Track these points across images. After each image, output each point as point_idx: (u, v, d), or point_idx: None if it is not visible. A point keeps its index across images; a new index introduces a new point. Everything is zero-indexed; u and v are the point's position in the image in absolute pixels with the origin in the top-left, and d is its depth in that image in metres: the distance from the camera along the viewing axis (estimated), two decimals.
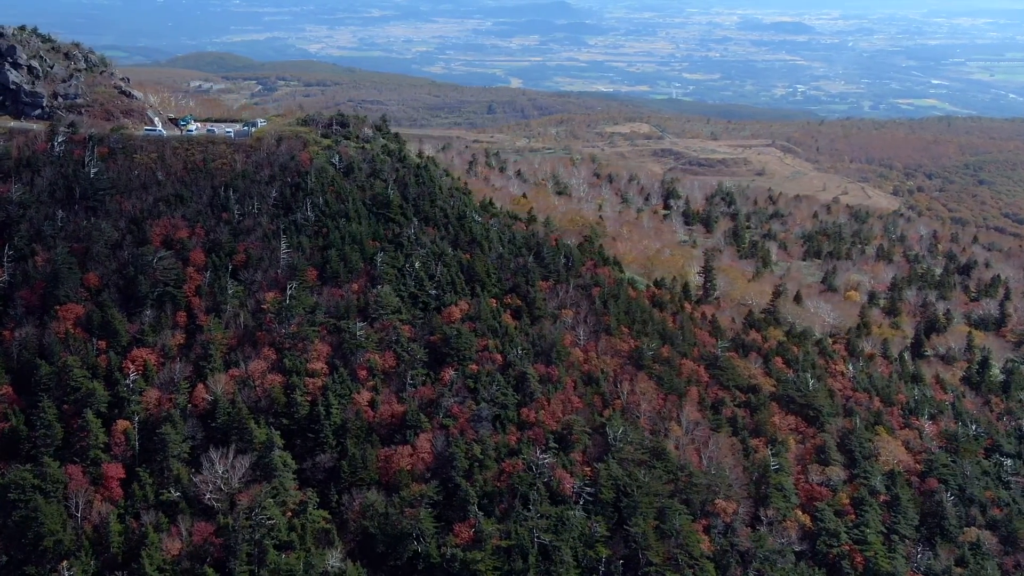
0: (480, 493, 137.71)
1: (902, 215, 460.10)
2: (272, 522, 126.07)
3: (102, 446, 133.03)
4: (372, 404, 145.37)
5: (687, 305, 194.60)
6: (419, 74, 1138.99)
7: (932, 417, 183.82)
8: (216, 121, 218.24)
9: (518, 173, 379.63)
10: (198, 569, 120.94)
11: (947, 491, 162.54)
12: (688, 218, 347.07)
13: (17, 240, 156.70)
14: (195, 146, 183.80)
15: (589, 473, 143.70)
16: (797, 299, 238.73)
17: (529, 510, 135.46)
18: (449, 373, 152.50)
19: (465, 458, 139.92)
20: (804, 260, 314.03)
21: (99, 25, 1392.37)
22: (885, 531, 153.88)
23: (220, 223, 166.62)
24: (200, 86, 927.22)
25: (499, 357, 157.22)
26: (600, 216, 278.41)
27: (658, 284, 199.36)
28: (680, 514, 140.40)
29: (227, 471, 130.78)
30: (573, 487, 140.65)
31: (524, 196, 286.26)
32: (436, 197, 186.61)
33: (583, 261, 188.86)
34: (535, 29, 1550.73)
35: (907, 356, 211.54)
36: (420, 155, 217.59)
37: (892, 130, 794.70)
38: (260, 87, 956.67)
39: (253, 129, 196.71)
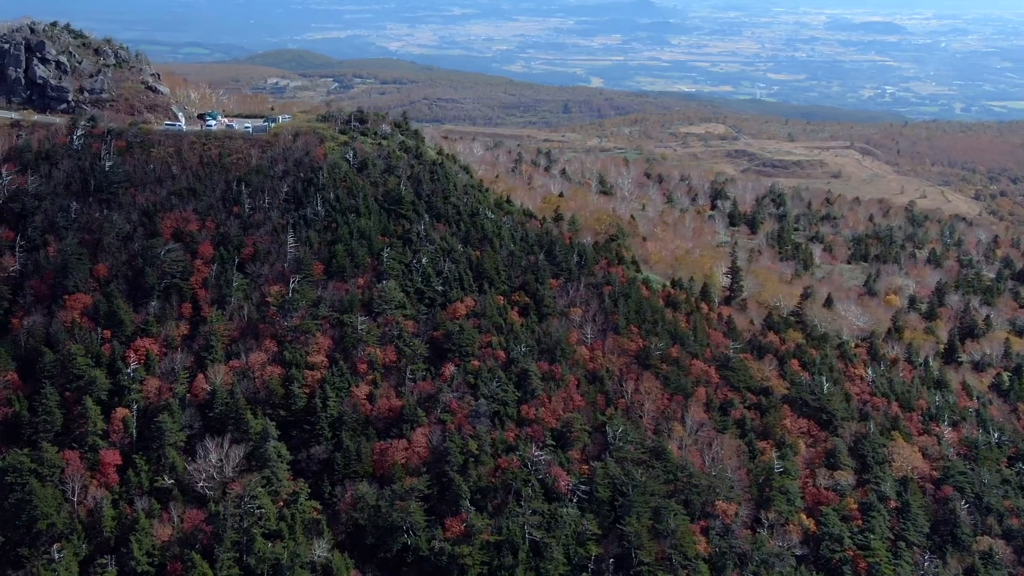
0: (474, 488, 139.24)
1: (964, 219, 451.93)
2: (261, 511, 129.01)
3: (100, 433, 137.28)
4: (370, 398, 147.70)
5: (704, 306, 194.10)
6: (499, 73, 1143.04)
7: (954, 424, 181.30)
8: (247, 117, 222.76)
9: (563, 172, 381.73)
10: (186, 555, 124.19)
11: (962, 499, 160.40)
12: (734, 219, 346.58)
13: (31, 231, 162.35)
14: (212, 141, 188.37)
15: (586, 471, 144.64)
16: (828, 302, 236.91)
17: (521, 506, 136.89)
18: (450, 369, 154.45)
19: (460, 453, 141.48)
20: (849, 263, 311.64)
21: (182, 23, 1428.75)
22: (892, 537, 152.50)
23: (231, 217, 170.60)
24: (277, 83, 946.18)
25: (502, 354, 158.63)
26: (632, 216, 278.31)
27: (675, 284, 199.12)
28: (676, 514, 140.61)
29: (221, 460, 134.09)
30: (568, 485, 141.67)
31: (561, 195, 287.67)
32: (450, 194, 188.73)
33: (597, 260, 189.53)
34: (617, 28, 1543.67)
35: (934, 361, 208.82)
36: (440, 152, 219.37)
37: (978, 133, 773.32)
38: (336, 84, 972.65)
39: (272, 125, 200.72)
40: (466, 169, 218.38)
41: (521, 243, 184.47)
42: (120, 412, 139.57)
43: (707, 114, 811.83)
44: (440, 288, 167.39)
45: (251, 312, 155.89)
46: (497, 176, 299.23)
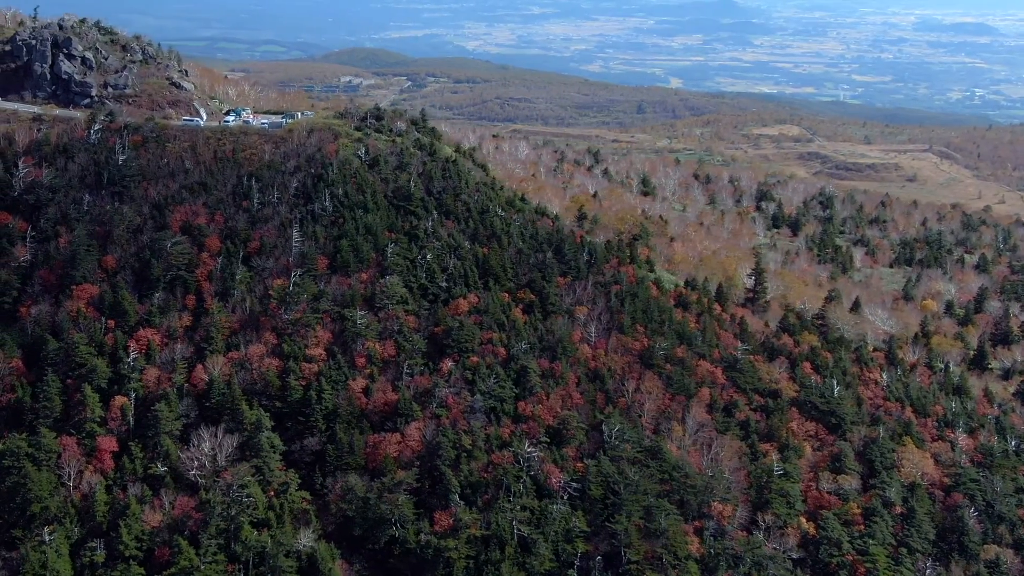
0: (464, 483, 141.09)
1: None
2: (250, 500, 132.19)
3: (98, 420, 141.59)
4: (366, 391, 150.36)
5: (717, 307, 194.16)
6: (577, 73, 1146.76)
7: (971, 431, 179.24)
8: (275, 114, 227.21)
9: (605, 171, 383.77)
10: (174, 541, 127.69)
11: (972, 507, 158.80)
12: (777, 221, 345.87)
13: (43, 222, 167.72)
14: (228, 136, 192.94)
15: (581, 469, 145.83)
16: (856, 306, 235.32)
17: (510, 502, 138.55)
18: (448, 364, 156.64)
19: (453, 448, 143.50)
20: (892, 267, 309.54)
21: (260, 20, 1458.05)
22: (894, 543, 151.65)
23: (239, 211, 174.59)
24: (350, 81, 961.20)
25: (502, 351, 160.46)
26: (661, 216, 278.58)
27: (689, 285, 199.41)
28: (668, 514, 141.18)
29: (213, 449, 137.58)
30: (560, 482, 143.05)
31: (595, 194, 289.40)
32: (461, 191, 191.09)
33: (608, 259, 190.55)
34: (699, 28, 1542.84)
35: (958, 367, 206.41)
36: (458, 149, 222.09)
37: None
38: (410, 83, 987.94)
39: (289, 121, 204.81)
40: (483, 167, 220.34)
41: (530, 241, 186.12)
42: (119, 400, 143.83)
43: (782, 116, 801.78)
44: (444, 284, 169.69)
45: (253, 305, 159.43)
46: (533, 175, 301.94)
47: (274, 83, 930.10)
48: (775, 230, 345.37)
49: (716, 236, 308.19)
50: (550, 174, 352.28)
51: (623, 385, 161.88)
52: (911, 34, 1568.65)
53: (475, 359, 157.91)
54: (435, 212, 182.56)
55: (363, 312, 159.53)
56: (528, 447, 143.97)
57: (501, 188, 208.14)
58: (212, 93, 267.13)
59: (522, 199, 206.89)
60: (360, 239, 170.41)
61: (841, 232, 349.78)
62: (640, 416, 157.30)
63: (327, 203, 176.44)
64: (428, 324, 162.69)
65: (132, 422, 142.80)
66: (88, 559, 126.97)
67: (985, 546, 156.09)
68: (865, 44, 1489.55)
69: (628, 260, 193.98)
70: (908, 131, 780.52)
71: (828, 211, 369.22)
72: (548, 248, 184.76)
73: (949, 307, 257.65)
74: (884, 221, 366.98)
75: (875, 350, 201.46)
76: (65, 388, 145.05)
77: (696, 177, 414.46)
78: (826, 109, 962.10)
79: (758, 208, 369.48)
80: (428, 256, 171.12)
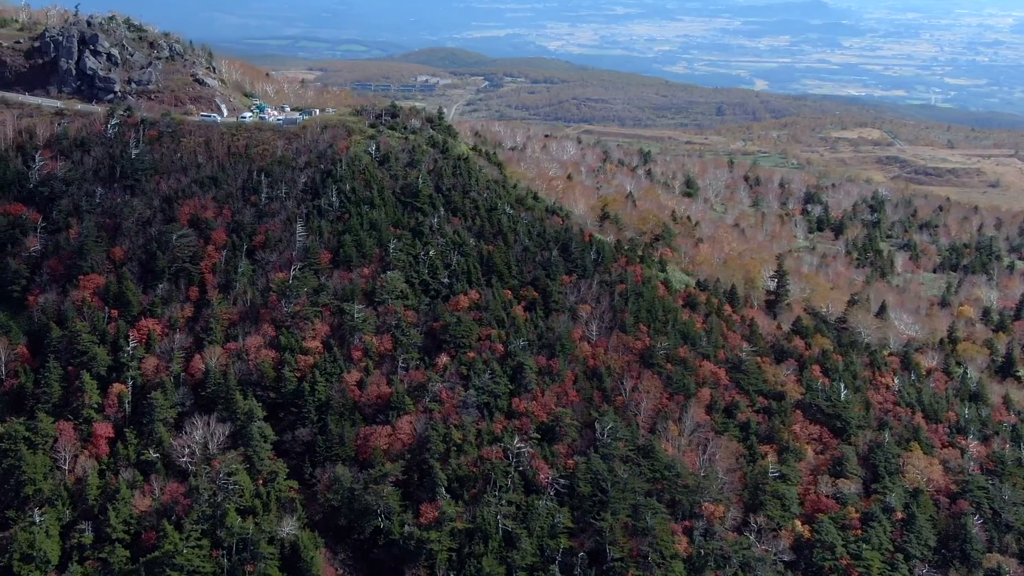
0: (452, 477, 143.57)
1: None
2: (236, 487, 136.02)
3: (96, 406, 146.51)
4: (360, 384, 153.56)
5: (728, 308, 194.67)
6: (659, 74, 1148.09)
7: (985, 438, 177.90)
8: (301, 110, 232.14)
9: (648, 172, 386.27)
10: (160, 525, 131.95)
11: (976, 514, 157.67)
12: (821, 224, 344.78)
13: (55, 214, 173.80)
14: (242, 132, 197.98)
15: (571, 466, 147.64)
16: (882, 310, 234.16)
17: (495, 496, 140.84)
18: (444, 359, 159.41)
19: (442, 442, 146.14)
20: (935, 272, 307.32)
21: (343, 19, 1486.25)
22: (892, 549, 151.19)
23: (247, 205, 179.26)
24: (427, 81, 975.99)
25: (500, 347, 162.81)
26: (689, 217, 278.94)
27: (700, 286, 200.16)
28: (656, 512, 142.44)
29: (205, 437, 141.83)
30: (548, 478, 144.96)
31: (629, 195, 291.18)
32: (470, 189, 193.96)
33: (616, 258, 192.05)
34: (786, 29, 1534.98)
35: (982, 374, 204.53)
36: (475, 148, 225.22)
37: None
38: (487, 83, 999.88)
39: (305, 117, 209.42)
40: (499, 165, 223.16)
41: (537, 239, 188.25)
42: (117, 388, 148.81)
43: (864, 119, 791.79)
44: (446, 281, 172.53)
45: (255, 297, 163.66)
46: (569, 175, 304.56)
47: (351, 82, 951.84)
48: (818, 233, 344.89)
49: (750, 238, 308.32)
50: (591, 174, 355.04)
51: (621, 384, 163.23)
52: (1008, 36, 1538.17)
53: (472, 355, 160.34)
54: (442, 209, 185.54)
55: (362, 306, 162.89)
56: (517, 443, 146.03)
57: (514, 186, 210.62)
58: (251, 90, 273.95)
59: (535, 197, 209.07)
60: (364, 234, 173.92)
61: (888, 236, 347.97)
62: (636, 415, 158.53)
63: (334, 199, 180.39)
64: (427, 319, 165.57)
65: (129, 409, 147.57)
66: (76, 541, 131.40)
67: (987, 555, 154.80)
68: (959, 46, 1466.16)
69: (638, 260, 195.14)
70: (995, 136, 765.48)
71: (876, 215, 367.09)
72: (555, 246, 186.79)
73: (986, 313, 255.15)
74: (935, 226, 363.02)
75: (891, 354, 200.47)
76: (66, 375, 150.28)
77: (746, 179, 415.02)
78: (915, 113, 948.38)
79: (804, 211, 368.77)
80: (431, 252, 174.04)
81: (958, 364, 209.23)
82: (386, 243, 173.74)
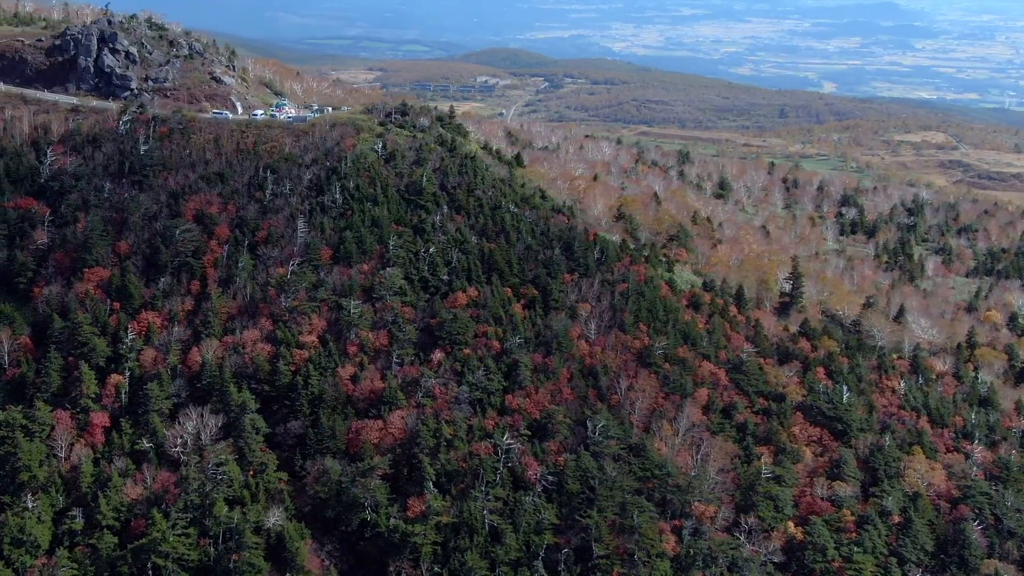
0: (441, 472, 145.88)
1: None
2: (225, 477, 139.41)
3: (93, 396, 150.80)
4: (354, 378, 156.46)
5: (733, 308, 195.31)
6: (725, 76, 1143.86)
7: (992, 444, 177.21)
8: (313, 108, 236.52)
9: (680, 174, 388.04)
10: (149, 513, 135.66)
11: (976, 520, 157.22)
12: (854, 227, 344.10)
13: (64, 208, 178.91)
14: (252, 129, 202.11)
15: (561, 463, 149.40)
16: (899, 313, 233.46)
17: (482, 491, 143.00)
18: (439, 355, 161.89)
19: (432, 437, 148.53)
20: (968, 276, 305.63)
21: (406, 20, 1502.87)
22: (886, 553, 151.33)
23: (252, 201, 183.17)
24: (486, 81, 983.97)
25: (496, 344, 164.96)
26: (709, 218, 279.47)
27: (706, 286, 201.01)
28: (643, 511, 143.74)
29: (197, 427, 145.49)
30: (537, 474, 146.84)
31: (655, 195, 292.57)
32: (475, 187, 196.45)
33: (620, 257, 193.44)
34: (857, 31, 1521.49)
35: (995, 379, 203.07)
36: (485, 146, 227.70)
37: None
38: (547, 84, 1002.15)
39: (316, 115, 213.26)
40: (509, 163, 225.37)
41: (541, 237, 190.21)
42: (114, 378, 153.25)
43: (929, 122, 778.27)
44: (445, 278, 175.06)
45: (254, 292, 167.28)
46: (595, 176, 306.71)
47: (409, 82, 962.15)
48: (851, 236, 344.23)
49: (776, 240, 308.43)
50: (621, 175, 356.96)
51: (617, 383, 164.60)
52: None
53: (467, 351, 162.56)
54: (445, 206, 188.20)
55: (360, 302, 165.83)
56: (507, 439, 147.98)
57: (522, 185, 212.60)
58: (280, 89, 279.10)
59: (543, 196, 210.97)
60: (365, 231, 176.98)
61: (924, 240, 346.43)
62: (631, 414, 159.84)
63: (337, 195, 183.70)
64: (425, 316, 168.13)
65: (126, 400, 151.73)
66: (68, 527, 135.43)
67: (986, 560, 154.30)
68: None
69: (642, 259, 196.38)
70: None
71: (914, 218, 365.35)
72: (558, 245, 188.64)
73: (1013, 319, 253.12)
74: (975, 230, 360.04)
75: (899, 358, 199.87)
76: (66, 365, 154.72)
77: (784, 181, 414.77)
78: (986, 116, 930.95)
79: (838, 214, 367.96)
80: (431, 249, 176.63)
81: (975, 369, 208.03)
82: (387, 240, 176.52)
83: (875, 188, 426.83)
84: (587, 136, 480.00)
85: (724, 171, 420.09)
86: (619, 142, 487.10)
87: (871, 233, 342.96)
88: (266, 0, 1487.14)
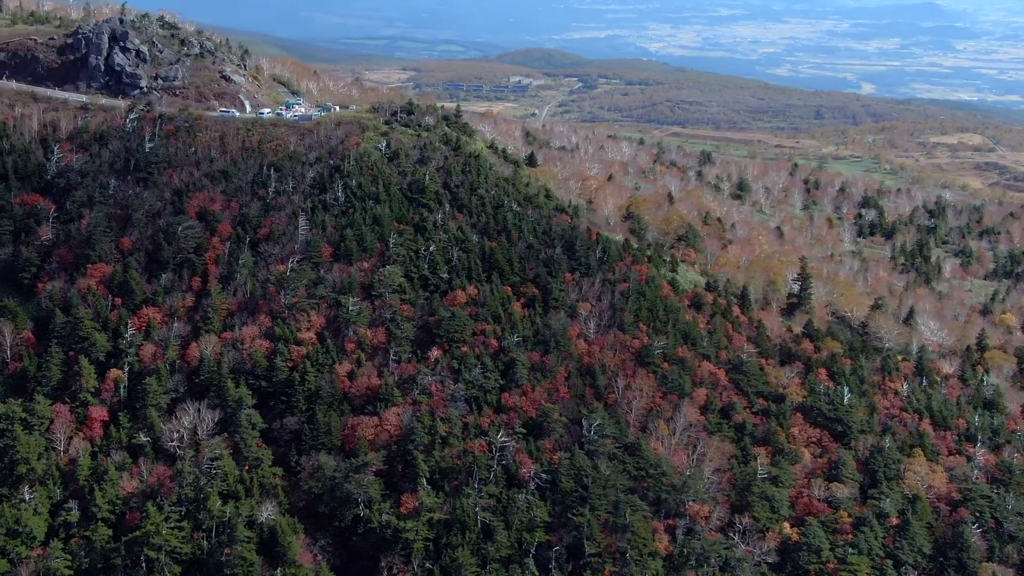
0: (435, 468, 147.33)
1: None
2: (219, 471, 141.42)
3: (92, 390, 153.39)
4: (351, 375, 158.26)
5: (736, 309, 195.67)
6: (762, 76, 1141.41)
7: (996, 447, 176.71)
8: (320, 107, 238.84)
9: (698, 174, 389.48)
10: (144, 506, 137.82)
11: (976, 523, 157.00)
12: (874, 228, 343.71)
13: (69, 204, 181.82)
14: (258, 128, 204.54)
15: (555, 461, 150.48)
16: (909, 316, 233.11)
17: (474, 488, 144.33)
18: (436, 353, 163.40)
19: (427, 434, 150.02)
20: (986, 279, 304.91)
21: (442, 20, 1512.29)
22: (882, 555, 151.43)
23: (255, 199, 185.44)
24: (519, 82, 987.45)
25: (494, 342, 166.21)
26: (720, 219, 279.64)
27: (709, 286, 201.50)
28: (636, 510, 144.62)
29: (194, 422, 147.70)
30: (530, 472, 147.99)
31: (669, 195, 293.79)
32: (478, 186, 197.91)
33: (622, 257, 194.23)
34: (897, 32, 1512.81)
35: (998, 381, 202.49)
36: (491, 145, 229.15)
37: None
38: (580, 84, 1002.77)
39: (322, 114, 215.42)
40: (515, 163, 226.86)
41: (543, 237, 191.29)
42: (114, 373, 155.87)
43: (966, 124, 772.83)
44: (445, 276, 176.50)
45: (255, 288, 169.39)
46: (610, 176, 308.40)
47: (443, 82, 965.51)
48: (869, 237, 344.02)
49: (791, 241, 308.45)
50: (639, 175, 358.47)
51: (614, 382, 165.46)
52: None
53: (465, 349, 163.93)
54: (447, 205, 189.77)
55: (359, 299, 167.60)
56: (501, 437, 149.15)
57: (527, 184, 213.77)
58: (297, 88, 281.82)
59: (547, 196, 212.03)
60: (366, 229, 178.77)
61: (944, 242, 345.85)
62: (628, 413, 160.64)
63: (339, 193, 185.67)
64: (423, 314, 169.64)
65: (125, 394, 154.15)
66: (64, 519, 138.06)
67: (984, 564, 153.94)
68: None
69: (645, 259, 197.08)
70: None
71: (934, 220, 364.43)
72: (559, 244, 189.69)
73: None
74: (997, 232, 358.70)
75: (904, 359, 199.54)
76: (67, 360, 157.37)
77: (805, 183, 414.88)
78: None
79: (858, 215, 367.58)
80: (432, 248, 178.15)
81: (986, 372, 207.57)
82: (387, 238, 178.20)
83: (899, 190, 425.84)
84: (610, 136, 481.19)
85: (745, 172, 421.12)
86: (641, 142, 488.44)
87: (889, 235, 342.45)
88: (304, 0, 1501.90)
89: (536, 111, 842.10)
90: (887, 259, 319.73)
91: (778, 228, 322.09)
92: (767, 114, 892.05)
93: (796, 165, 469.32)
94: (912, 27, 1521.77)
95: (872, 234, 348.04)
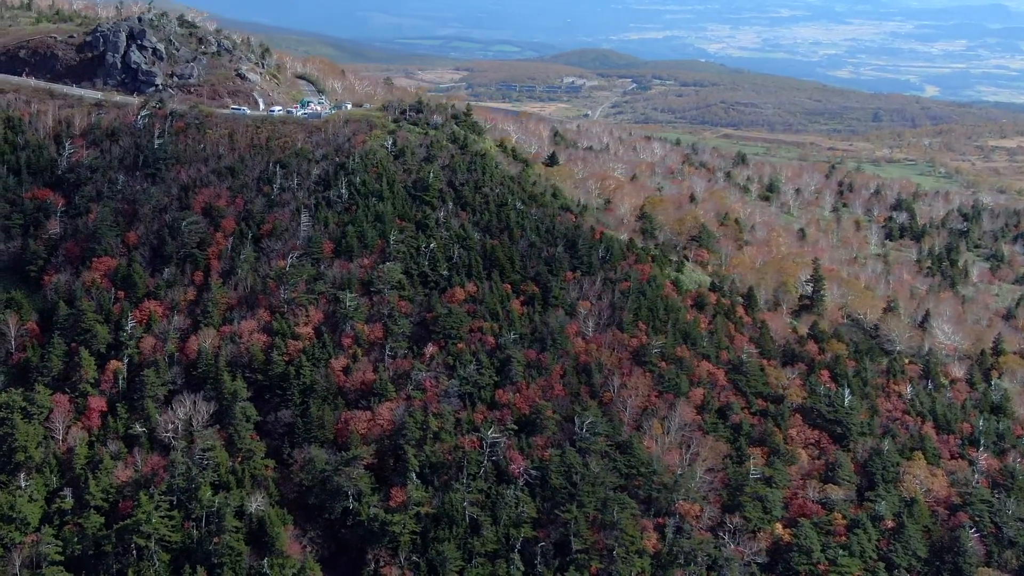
0: (426, 463, 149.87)
1: None
2: (211, 462, 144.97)
3: (92, 381, 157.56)
4: (346, 370, 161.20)
5: (740, 309, 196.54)
6: (823, 78, 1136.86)
7: (1001, 451, 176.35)
8: (334, 105, 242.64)
9: (727, 175, 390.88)
10: (136, 495, 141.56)
11: (974, 528, 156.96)
12: (903, 231, 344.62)
13: (78, 199, 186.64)
14: (266, 125, 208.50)
15: (547, 457, 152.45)
16: (924, 319, 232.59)
17: (462, 483, 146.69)
18: (432, 349, 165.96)
19: (419, 429, 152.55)
20: (1016, 283, 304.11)
21: (498, 20, 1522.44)
22: (875, 557, 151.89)
23: (259, 195, 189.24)
24: (573, 82, 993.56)
25: (491, 339, 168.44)
26: (737, 220, 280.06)
27: (713, 287, 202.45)
28: (624, 507, 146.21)
29: (189, 413, 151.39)
30: (520, 468, 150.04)
31: (692, 197, 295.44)
32: (483, 184, 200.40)
33: (624, 256, 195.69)
34: (962, 33, 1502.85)
35: (1011, 386, 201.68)
36: (501, 144, 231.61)
37: None
38: (634, 85, 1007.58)
39: (332, 112, 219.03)
40: (526, 162, 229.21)
41: (546, 235, 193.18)
42: (113, 364, 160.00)
43: None
44: (445, 273, 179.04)
45: (255, 283, 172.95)
46: (633, 176, 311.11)
47: (495, 82, 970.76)
48: (898, 240, 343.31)
49: (813, 243, 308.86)
50: (667, 176, 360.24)
51: (610, 380, 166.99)
52: None
53: (461, 346, 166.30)
54: (451, 203, 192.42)
55: (357, 295, 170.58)
56: (492, 432, 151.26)
57: (534, 183, 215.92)
58: (322, 86, 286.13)
59: (554, 195, 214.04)
60: (367, 226, 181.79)
61: (977, 246, 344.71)
62: (621, 411, 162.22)
63: (343, 190, 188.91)
64: (421, 310, 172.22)
65: (124, 385, 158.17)
66: (58, 506, 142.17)
67: (981, 568, 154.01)
68: None
69: (649, 259, 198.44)
70: None
71: (967, 224, 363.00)
72: (561, 242, 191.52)
73: None
74: None
75: (911, 362, 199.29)
76: (69, 351, 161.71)
77: (839, 185, 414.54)
78: None
79: (889, 218, 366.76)
80: (432, 245, 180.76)
81: (999, 375, 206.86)
82: (388, 235, 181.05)
83: (936, 193, 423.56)
84: (646, 137, 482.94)
85: (778, 174, 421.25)
86: (677, 143, 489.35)
87: (919, 238, 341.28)
88: (360, 0, 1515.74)
89: (588, 112, 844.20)
90: (913, 262, 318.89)
91: (801, 230, 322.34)
92: (823, 116, 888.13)
93: (833, 167, 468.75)
94: (979, 28, 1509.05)
95: (901, 237, 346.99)
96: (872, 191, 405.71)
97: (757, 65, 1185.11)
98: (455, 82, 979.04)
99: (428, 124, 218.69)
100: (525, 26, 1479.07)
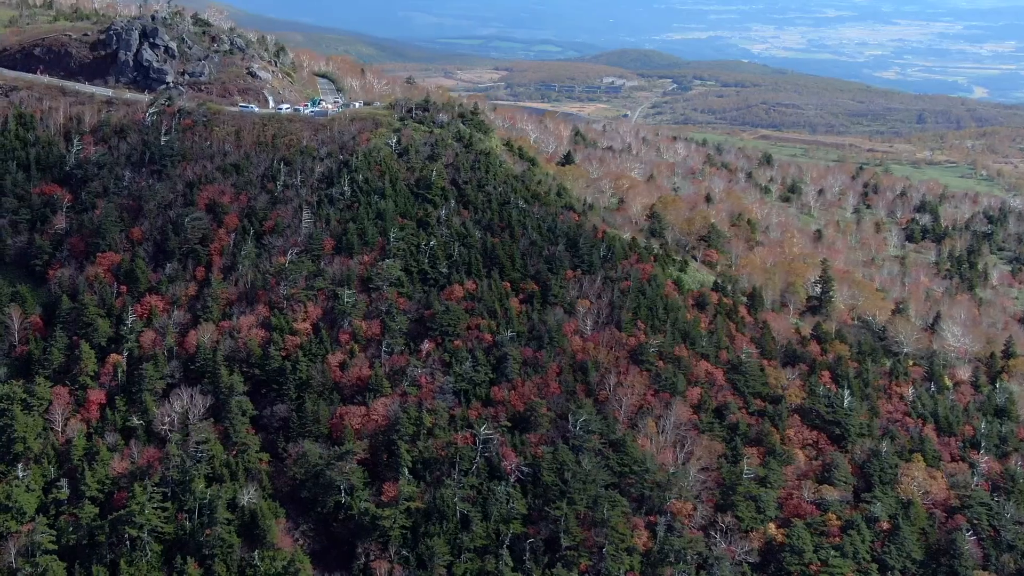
0: (419, 459, 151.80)
1: None
2: (204, 455, 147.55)
3: (92, 374, 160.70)
4: (342, 366, 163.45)
5: (742, 310, 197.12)
6: (869, 79, 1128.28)
7: (1003, 454, 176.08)
8: (343, 104, 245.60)
9: (748, 176, 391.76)
10: (131, 486, 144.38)
11: (971, 531, 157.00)
12: (925, 233, 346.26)
13: (85, 195, 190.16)
14: (273, 123, 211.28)
15: (539, 455, 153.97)
16: (935, 321, 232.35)
17: (453, 479, 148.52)
18: (428, 346, 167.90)
19: (412, 424, 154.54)
20: None
21: (540, 20, 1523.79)
22: (868, 559, 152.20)
23: (263, 192, 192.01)
24: (612, 82, 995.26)
25: (488, 337, 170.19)
26: (749, 220, 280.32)
27: (716, 287, 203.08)
28: (615, 505, 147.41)
29: (185, 406, 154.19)
30: (513, 465, 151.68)
31: (707, 197, 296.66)
32: (486, 183, 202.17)
33: (626, 255, 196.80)
34: (1013, 34, 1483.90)
35: (1017, 389, 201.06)
36: (507, 143, 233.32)
37: None
38: (675, 86, 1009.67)
39: (340, 110, 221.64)
40: (532, 160, 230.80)
41: (547, 234, 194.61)
42: (113, 358, 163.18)
43: None
44: (445, 270, 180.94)
45: (255, 279, 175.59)
46: (651, 176, 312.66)
47: (535, 82, 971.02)
48: (919, 242, 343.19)
49: (829, 244, 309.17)
50: (687, 176, 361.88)
51: (606, 379, 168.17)
52: None
53: (457, 343, 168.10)
54: (453, 201, 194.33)
55: (355, 292, 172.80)
56: (485, 429, 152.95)
57: (539, 182, 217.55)
58: (341, 85, 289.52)
59: (558, 194, 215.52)
60: (368, 223, 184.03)
61: (1001, 249, 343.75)
62: (616, 410, 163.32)
63: (346, 188, 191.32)
64: (420, 307, 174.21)
65: (123, 378, 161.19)
66: (55, 496, 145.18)
67: (978, 572, 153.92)
68: None
69: (651, 258, 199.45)
70: None
71: (991, 226, 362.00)
72: (562, 241, 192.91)
73: None
74: None
75: (914, 364, 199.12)
76: (70, 344, 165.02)
77: (864, 186, 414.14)
78: None
79: (911, 220, 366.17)
80: (432, 242, 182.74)
81: (1008, 378, 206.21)
82: (389, 232, 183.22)
83: (965, 195, 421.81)
84: (672, 138, 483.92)
85: (804, 175, 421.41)
86: (704, 143, 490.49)
87: (940, 240, 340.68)
88: (402, 0, 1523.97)
89: (628, 112, 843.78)
90: (931, 264, 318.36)
91: (818, 231, 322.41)
92: (866, 118, 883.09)
93: (860, 168, 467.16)
94: None
95: (923, 239, 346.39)
96: (897, 193, 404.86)
97: (801, 66, 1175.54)
98: (494, 82, 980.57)
99: (434, 122, 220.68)
100: (567, 26, 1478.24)
